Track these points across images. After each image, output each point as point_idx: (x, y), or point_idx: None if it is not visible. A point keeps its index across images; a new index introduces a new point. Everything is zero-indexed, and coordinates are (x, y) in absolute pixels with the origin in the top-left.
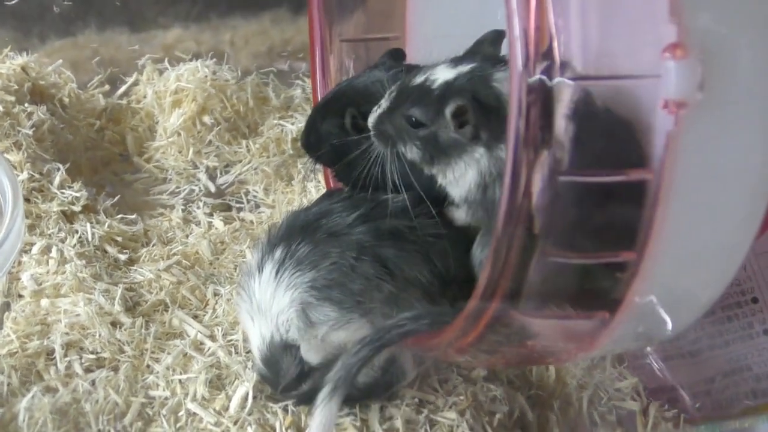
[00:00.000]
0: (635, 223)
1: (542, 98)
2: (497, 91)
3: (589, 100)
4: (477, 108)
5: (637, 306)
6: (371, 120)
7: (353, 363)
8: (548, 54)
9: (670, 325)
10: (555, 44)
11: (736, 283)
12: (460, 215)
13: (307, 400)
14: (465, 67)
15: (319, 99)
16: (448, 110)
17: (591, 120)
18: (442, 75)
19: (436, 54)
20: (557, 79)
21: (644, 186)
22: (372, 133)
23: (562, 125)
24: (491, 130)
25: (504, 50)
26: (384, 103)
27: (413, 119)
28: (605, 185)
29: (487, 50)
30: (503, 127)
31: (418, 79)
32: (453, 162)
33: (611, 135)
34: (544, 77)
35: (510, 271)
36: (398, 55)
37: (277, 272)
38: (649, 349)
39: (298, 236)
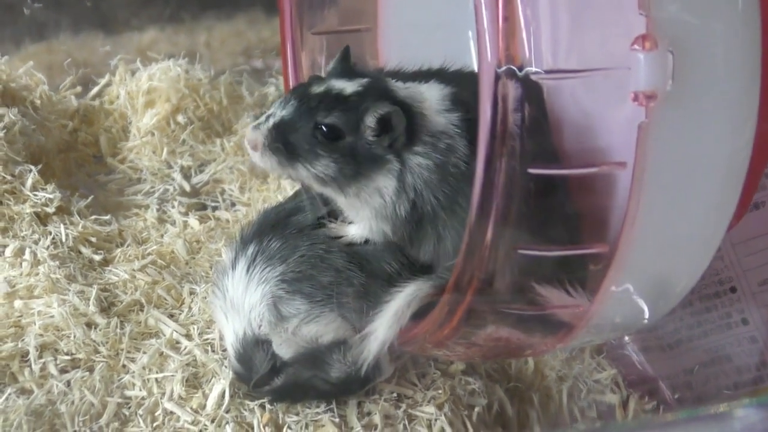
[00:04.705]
0: (606, 214)
1: (511, 91)
2: (404, 98)
3: (558, 92)
4: (400, 114)
5: (613, 295)
6: (259, 134)
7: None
8: (517, 47)
9: (646, 314)
10: (524, 36)
11: (714, 273)
12: (360, 232)
13: (280, 395)
14: (362, 80)
15: None
16: (372, 117)
17: (560, 112)
18: (346, 85)
19: (413, 43)
20: (526, 69)
21: (616, 178)
22: (266, 147)
23: (531, 118)
24: (407, 138)
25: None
26: (278, 112)
27: (329, 129)
28: (575, 177)
29: (344, 66)
30: (416, 135)
31: (319, 89)
32: (372, 176)
33: (581, 127)
34: (513, 68)
35: (483, 264)
36: None
37: (248, 268)
38: (627, 339)
39: (269, 233)
